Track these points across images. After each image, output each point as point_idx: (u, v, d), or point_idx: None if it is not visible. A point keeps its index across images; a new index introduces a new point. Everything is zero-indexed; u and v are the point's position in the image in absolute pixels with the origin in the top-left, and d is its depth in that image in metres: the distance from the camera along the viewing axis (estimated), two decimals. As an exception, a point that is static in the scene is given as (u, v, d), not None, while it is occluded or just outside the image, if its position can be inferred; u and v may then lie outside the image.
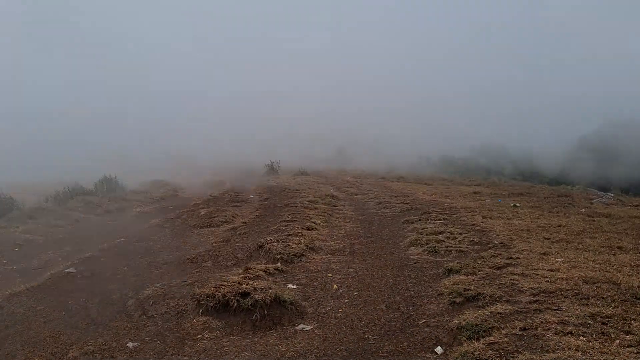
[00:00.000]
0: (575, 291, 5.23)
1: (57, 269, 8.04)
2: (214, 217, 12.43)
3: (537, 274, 5.98)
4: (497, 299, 5.24)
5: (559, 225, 9.48)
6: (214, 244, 9.43)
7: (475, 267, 6.57)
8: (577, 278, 5.69)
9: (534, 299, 5.13)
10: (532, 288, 5.45)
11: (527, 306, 4.92)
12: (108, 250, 9.35)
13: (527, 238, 8.35)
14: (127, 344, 4.99)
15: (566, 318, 4.49)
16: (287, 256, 7.95)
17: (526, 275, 5.96)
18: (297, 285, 6.69)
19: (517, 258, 6.87)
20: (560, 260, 6.67)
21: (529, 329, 4.33)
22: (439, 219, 10.76)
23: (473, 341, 4.32)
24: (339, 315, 5.70)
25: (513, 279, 5.84)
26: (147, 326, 5.48)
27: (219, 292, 5.70)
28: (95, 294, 6.70)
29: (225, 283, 6.03)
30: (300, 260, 7.94)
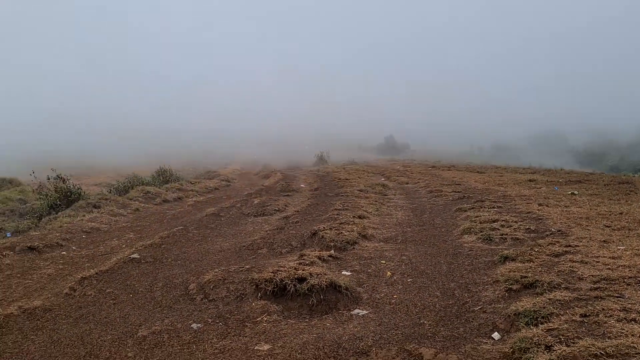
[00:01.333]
0: (639, 279, 5.10)
1: (122, 254, 8.46)
2: (267, 205, 12.70)
3: (598, 262, 5.85)
4: (556, 286, 5.17)
5: (620, 213, 9.17)
6: (268, 232, 9.66)
7: (532, 255, 6.48)
8: (640, 266, 5.53)
9: (595, 286, 5.03)
10: (592, 275, 5.35)
11: (588, 293, 4.84)
12: (168, 237, 9.74)
13: (587, 226, 8.13)
14: (192, 325, 5.23)
15: (629, 305, 4.40)
16: (340, 243, 8.06)
17: (586, 263, 5.84)
18: (351, 271, 6.79)
19: (576, 246, 6.72)
20: (622, 248, 6.48)
21: (590, 315, 4.27)
22: (493, 207, 10.62)
23: (531, 327, 4.30)
24: (393, 301, 5.77)
25: (572, 267, 5.73)
26: (209, 309, 5.72)
27: (277, 276, 5.87)
28: (158, 279, 7.03)
29: (282, 268, 6.20)
30: (353, 248, 8.04)
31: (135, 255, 8.21)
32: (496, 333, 4.59)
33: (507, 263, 6.38)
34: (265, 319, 5.33)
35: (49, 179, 15.46)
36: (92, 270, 7.33)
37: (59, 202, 14.36)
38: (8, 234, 11.66)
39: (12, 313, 5.78)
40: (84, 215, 12.44)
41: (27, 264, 8.45)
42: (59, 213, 13.06)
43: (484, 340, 4.48)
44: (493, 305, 5.22)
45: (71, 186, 15.11)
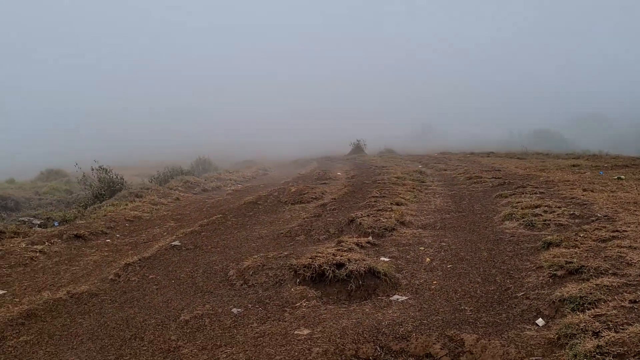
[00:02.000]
0: (692, 264, 4.89)
1: (163, 242, 8.64)
2: (304, 194, 12.74)
3: (648, 247, 5.63)
4: (603, 271, 5.01)
5: (671, 198, 8.80)
6: (305, 219, 9.69)
7: (577, 240, 6.29)
8: (693, 251, 5.30)
9: (645, 272, 4.85)
10: (642, 261, 5.15)
11: (637, 279, 4.67)
12: (208, 225, 9.89)
13: (635, 211, 7.84)
14: (232, 310, 5.31)
15: (682, 291, 4.22)
16: (378, 230, 8.02)
17: (635, 248, 5.64)
18: (389, 258, 6.75)
19: (623, 231, 6.49)
20: (673, 233, 6.22)
21: (639, 301, 4.12)
22: (535, 193, 10.36)
23: (578, 313, 4.18)
24: (433, 287, 5.70)
25: (620, 252, 5.54)
26: (249, 294, 5.79)
27: (315, 262, 5.89)
28: (199, 265, 7.15)
29: (320, 255, 6.21)
30: (392, 234, 7.98)
31: (177, 243, 8.37)
32: (540, 319, 4.48)
33: (551, 249, 6.21)
34: (304, 304, 5.35)
35: (92, 169, 15.92)
36: (135, 257, 7.51)
37: (102, 192, 14.78)
38: (56, 223, 12.08)
39: (61, 298, 5.99)
40: (126, 205, 12.78)
41: (74, 251, 8.74)
42: (103, 202, 13.45)
43: (528, 327, 4.39)
44: (536, 291, 5.10)
45: (114, 176, 15.52)
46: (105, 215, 11.49)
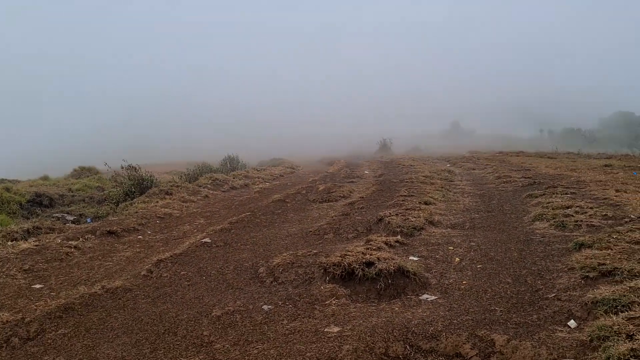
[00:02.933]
0: None
1: (194, 239, 8.80)
2: (332, 192, 12.79)
3: (684, 250, 5.52)
4: (637, 274, 4.93)
5: None
6: (334, 218, 9.74)
7: (610, 242, 6.19)
8: None
9: (681, 275, 4.76)
10: (678, 264, 5.06)
11: (673, 282, 4.59)
12: (237, 223, 10.02)
13: (671, 212, 7.67)
14: (263, 307, 5.40)
15: None
16: (407, 229, 8.02)
17: (670, 251, 5.53)
18: (418, 257, 6.75)
19: (659, 233, 6.36)
20: None
21: (675, 305, 4.05)
22: (566, 193, 10.21)
23: (611, 315, 4.13)
24: (462, 287, 5.69)
25: (655, 254, 5.44)
26: (279, 291, 5.87)
27: (344, 261, 5.93)
28: (229, 262, 7.27)
29: (349, 253, 6.25)
30: (420, 234, 7.98)
31: (207, 240, 8.52)
32: (572, 321, 4.44)
33: (583, 250, 6.13)
34: (334, 302, 5.40)
35: (122, 167, 16.26)
36: (167, 254, 7.68)
37: (133, 189, 15.09)
38: (89, 220, 12.41)
39: (96, 292, 6.17)
40: (157, 202, 13.02)
41: (107, 247, 8.96)
42: (134, 199, 13.74)
43: (559, 328, 4.36)
44: (568, 292, 5.05)
45: (143, 174, 15.82)
46: (136, 212, 11.74)
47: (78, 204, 16.11)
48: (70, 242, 8.90)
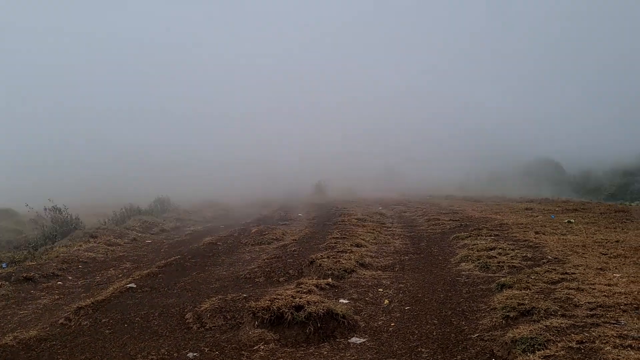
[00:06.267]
0: (635, 305, 5.11)
1: (118, 284, 8.42)
2: (265, 234, 12.70)
3: (594, 289, 5.86)
4: (552, 313, 5.18)
5: (617, 241, 9.20)
6: (265, 261, 9.64)
7: (529, 282, 6.49)
8: (636, 292, 5.55)
9: (591, 313, 5.04)
10: (588, 302, 5.36)
11: (584, 320, 4.85)
12: (165, 267, 9.71)
13: (583, 254, 8.16)
14: (188, 355, 5.20)
15: (625, 332, 4.40)
16: (338, 272, 8.06)
17: (582, 290, 5.85)
18: (348, 299, 6.78)
19: (572, 273, 6.74)
20: (618, 275, 6.50)
21: (586, 342, 4.27)
22: (490, 235, 10.64)
23: (528, 354, 4.29)
24: (391, 329, 5.75)
25: (568, 294, 5.74)
26: (206, 337, 5.69)
27: (274, 305, 5.86)
28: (155, 308, 6.99)
29: (279, 297, 6.19)
30: (351, 276, 8.04)
31: (132, 285, 8.18)
32: (494, 360, 4.57)
33: (504, 290, 6.38)
34: (262, 347, 5.30)
35: (45, 209, 15.48)
36: (88, 300, 7.29)
37: (55, 233, 14.34)
38: (4, 265, 11.60)
39: (6, 343, 5.75)
40: (80, 245, 12.42)
41: (23, 294, 8.41)
42: (56, 243, 13.04)
43: (482, 368, 4.47)
44: (490, 332, 5.21)
45: (67, 216, 15.11)
46: (57, 257, 11.12)
47: (-7, 248, 15.08)
48: (-20, 290, 8.27)
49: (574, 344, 4.26)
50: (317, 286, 7.14)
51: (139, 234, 15.23)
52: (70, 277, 9.67)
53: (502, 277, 7.10)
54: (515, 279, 6.72)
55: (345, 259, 8.75)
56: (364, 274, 8.21)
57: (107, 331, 6.18)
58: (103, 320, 6.56)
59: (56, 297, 8.26)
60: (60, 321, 6.51)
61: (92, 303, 7.15)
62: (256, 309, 5.93)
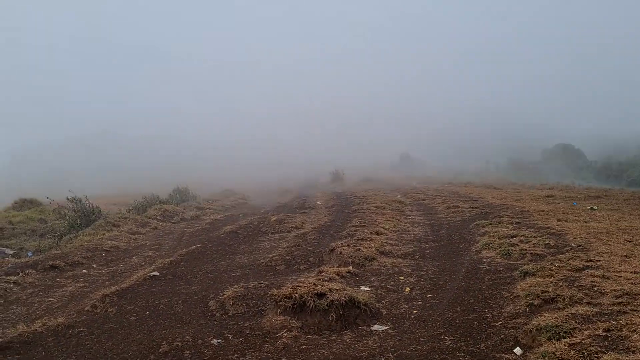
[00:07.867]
0: (662, 293, 5.04)
1: (142, 272, 8.54)
2: (284, 223, 12.74)
3: (620, 276, 5.79)
4: (578, 300, 5.13)
5: (642, 228, 9.05)
6: (286, 249, 9.69)
7: (552, 270, 6.43)
8: (663, 280, 5.47)
9: (617, 300, 4.98)
10: (614, 290, 5.30)
11: (610, 308, 4.80)
12: (187, 255, 9.81)
13: (607, 241, 8.05)
14: (212, 341, 5.27)
15: (653, 320, 4.35)
16: (359, 260, 8.07)
17: (608, 278, 5.79)
18: (370, 287, 6.79)
19: (597, 261, 6.66)
20: (644, 262, 6.41)
21: (613, 330, 4.23)
22: (511, 223, 10.55)
23: (554, 342, 4.27)
24: (413, 316, 5.76)
25: (594, 281, 5.68)
26: (229, 324, 5.76)
27: (296, 292, 5.89)
28: (178, 295, 7.09)
29: (301, 284, 6.22)
30: (372, 264, 8.04)
31: (155, 273, 8.29)
32: (518, 348, 4.56)
33: (527, 278, 6.33)
34: (285, 334, 5.34)
35: (67, 199, 15.69)
36: (113, 288, 7.41)
37: (79, 222, 14.56)
38: (29, 254, 11.84)
39: (36, 330, 5.88)
40: (103, 234, 12.60)
41: (49, 282, 8.58)
42: (79, 232, 13.24)
43: (506, 356, 4.46)
44: (514, 320, 5.19)
45: (88, 206, 15.30)
46: (81, 245, 11.31)
47: (19, 237, 15.37)
48: (8, 278, 8.46)
49: (600, 332, 4.22)
50: (338, 274, 7.16)
51: (160, 223, 15.39)
52: (94, 265, 9.83)
53: (525, 264, 7.04)
54: (538, 267, 6.67)
55: (366, 247, 8.75)
56: (385, 262, 8.21)
57: (132, 318, 6.28)
58: (128, 308, 6.67)
59: (81, 284, 8.41)
60: (87, 308, 6.63)
61: (117, 290, 7.26)
62: (278, 296, 5.96)
